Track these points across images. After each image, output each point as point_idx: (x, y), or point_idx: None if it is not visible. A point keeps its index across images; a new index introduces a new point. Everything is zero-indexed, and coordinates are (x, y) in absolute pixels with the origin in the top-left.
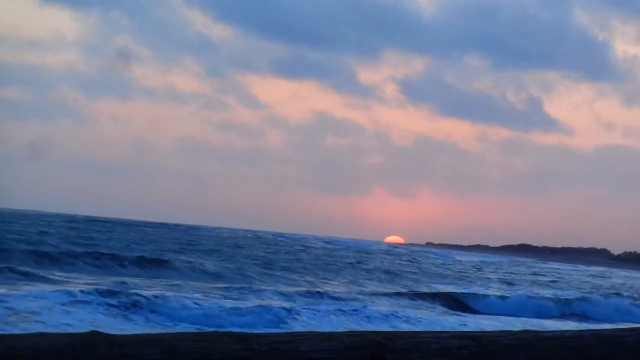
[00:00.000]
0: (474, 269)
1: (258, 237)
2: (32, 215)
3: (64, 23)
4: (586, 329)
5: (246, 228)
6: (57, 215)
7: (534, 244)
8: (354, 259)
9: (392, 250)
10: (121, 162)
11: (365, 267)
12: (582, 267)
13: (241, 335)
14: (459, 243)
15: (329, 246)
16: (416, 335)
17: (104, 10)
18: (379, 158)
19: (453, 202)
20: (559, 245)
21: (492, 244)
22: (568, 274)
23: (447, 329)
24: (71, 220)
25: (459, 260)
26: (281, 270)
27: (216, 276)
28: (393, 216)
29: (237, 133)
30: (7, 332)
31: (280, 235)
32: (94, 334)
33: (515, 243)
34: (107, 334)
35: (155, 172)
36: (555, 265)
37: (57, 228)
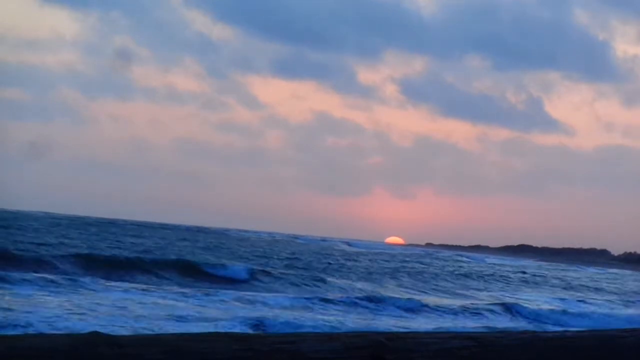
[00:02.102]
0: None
1: (288, 241)
2: (37, 216)
3: (64, 23)
4: (586, 329)
5: (246, 228)
6: (65, 217)
7: (534, 244)
8: (441, 266)
9: (433, 254)
10: (121, 162)
11: (461, 274)
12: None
13: (241, 335)
14: (459, 243)
15: (372, 251)
16: (417, 336)
17: (103, 10)
18: (379, 158)
19: (453, 202)
20: (559, 245)
21: (492, 244)
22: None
23: None
24: (88, 223)
25: (494, 264)
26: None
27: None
28: (393, 216)
29: (237, 133)
30: (8, 333)
31: (295, 236)
32: (94, 334)
33: (515, 243)
34: (107, 334)
35: (155, 172)
36: (593, 269)
37: (104, 233)
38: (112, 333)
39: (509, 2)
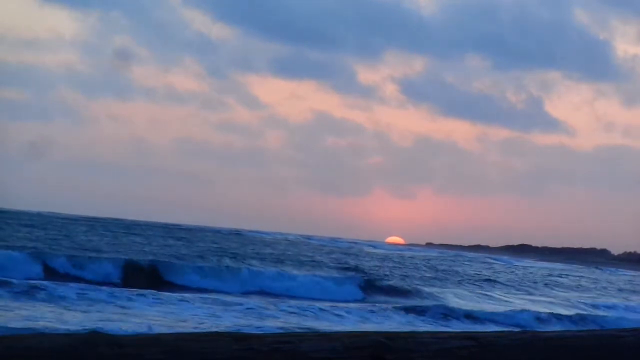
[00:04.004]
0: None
1: (303, 242)
2: (39, 216)
3: (64, 23)
4: (586, 329)
5: (248, 228)
6: (71, 217)
7: (533, 244)
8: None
9: (463, 256)
10: (121, 162)
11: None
12: None
13: (241, 335)
14: (459, 243)
15: (404, 253)
16: (417, 336)
17: (103, 10)
18: (379, 158)
19: (453, 202)
20: (558, 245)
21: (492, 244)
22: None
23: None
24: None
25: (522, 266)
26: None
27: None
28: (393, 216)
29: (237, 133)
30: (8, 333)
31: (307, 237)
32: (94, 334)
33: (515, 243)
34: (107, 334)
35: (155, 172)
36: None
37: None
38: (112, 333)
39: (509, 2)
